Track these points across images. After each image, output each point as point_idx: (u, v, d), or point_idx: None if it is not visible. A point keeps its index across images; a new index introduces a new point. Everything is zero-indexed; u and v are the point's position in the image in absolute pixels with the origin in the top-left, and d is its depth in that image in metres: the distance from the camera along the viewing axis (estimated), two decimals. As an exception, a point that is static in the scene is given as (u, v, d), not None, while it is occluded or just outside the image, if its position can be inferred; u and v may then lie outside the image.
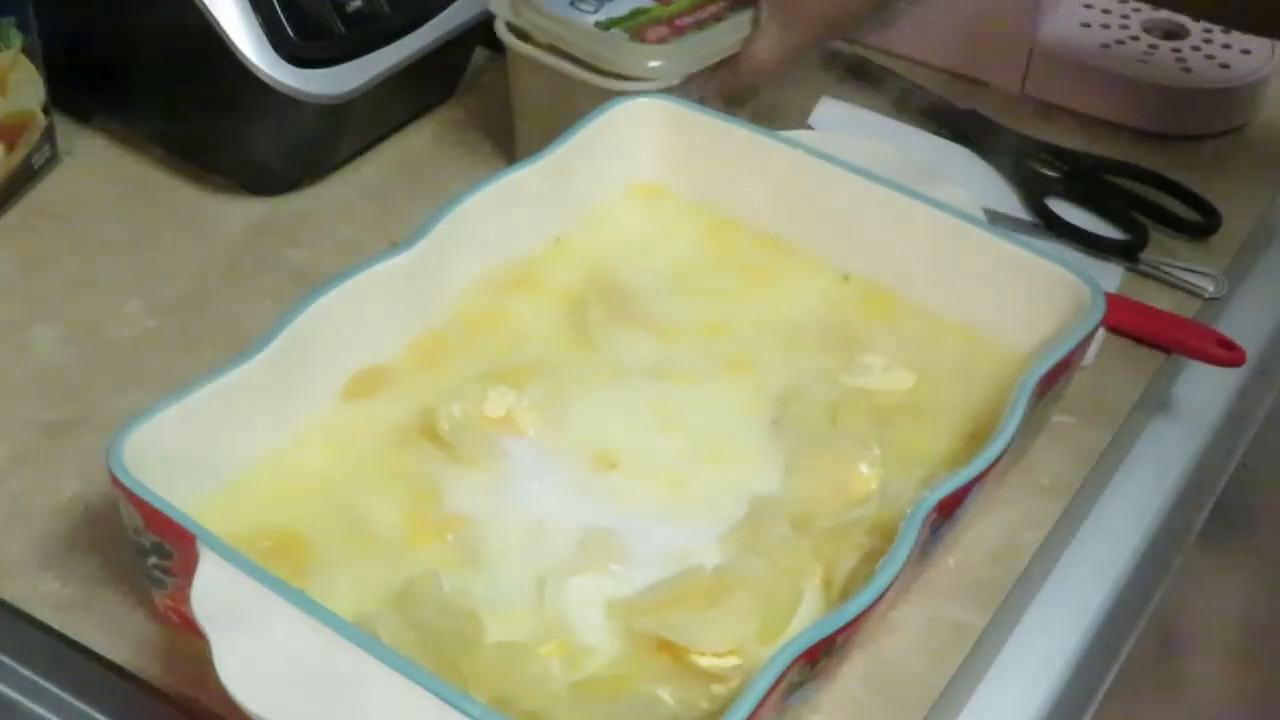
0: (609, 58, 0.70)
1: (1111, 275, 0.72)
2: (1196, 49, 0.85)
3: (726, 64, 0.72)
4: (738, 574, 0.52)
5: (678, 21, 0.71)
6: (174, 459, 0.51)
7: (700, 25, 0.72)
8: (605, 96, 0.68)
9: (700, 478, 0.57)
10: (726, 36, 0.72)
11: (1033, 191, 0.77)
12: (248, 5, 0.69)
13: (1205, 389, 0.69)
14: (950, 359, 0.62)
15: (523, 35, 0.72)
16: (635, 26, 0.71)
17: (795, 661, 0.46)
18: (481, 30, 0.79)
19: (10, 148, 0.71)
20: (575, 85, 0.70)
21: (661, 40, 0.70)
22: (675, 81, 0.70)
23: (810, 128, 0.79)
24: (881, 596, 0.48)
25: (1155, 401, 0.68)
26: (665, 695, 0.49)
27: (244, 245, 0.72)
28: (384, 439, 0.57)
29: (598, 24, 0.71)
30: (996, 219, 0.71)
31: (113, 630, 0.54)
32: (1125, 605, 0.60)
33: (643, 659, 0.50)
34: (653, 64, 0.70)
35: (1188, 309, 0.71)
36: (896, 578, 0.49)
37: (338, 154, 0.76)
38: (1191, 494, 0.65)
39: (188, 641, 0.51)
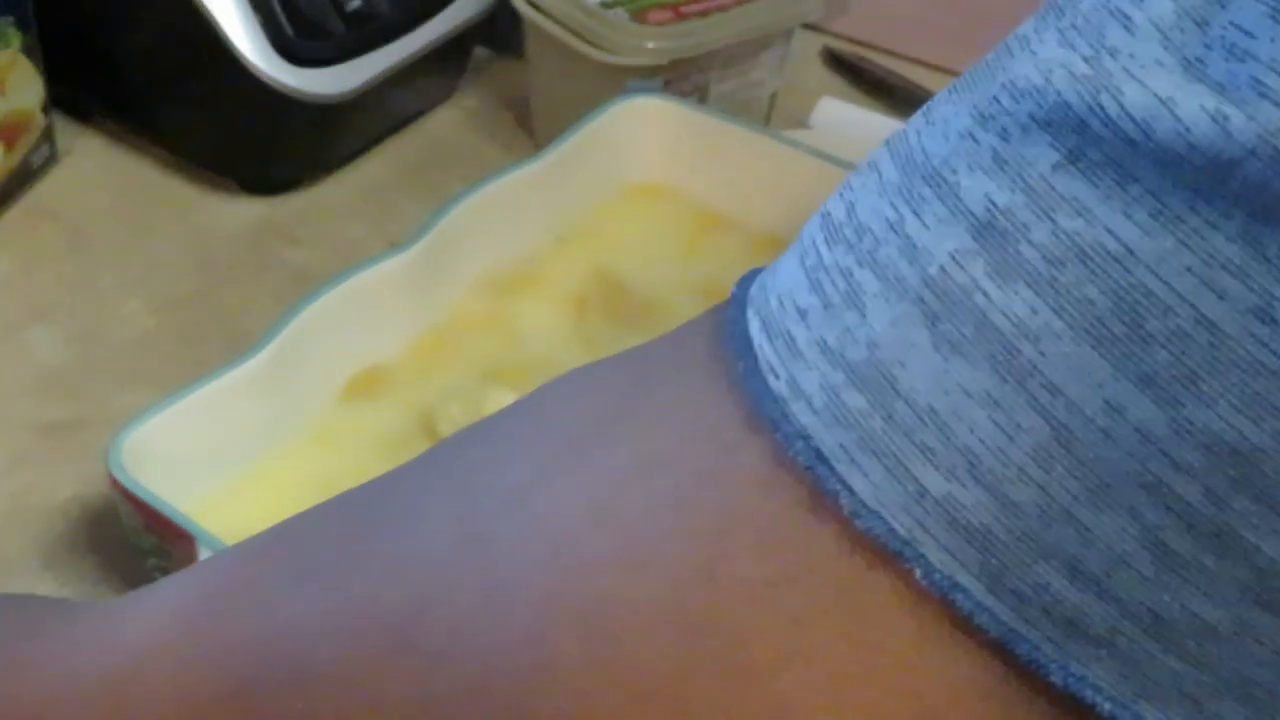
0: (607, 35, 0.71)
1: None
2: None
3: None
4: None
5: (683, 9, 0.72)
6: (174, 459, 0.51)
7: (704, 14, 0.72)
8: (605, 73, 0.69)
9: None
10: (729, 26, 0.72)
11: (1033, 191, 0.77)
12: (247, 5, 0.68)
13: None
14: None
15: (536, 5, 0.74)
16: (639, 9, 0.72)
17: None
18: (481, 30, 0.79)
19: (9, 147, 0.71)
20: (579, 59, 0.72)
21: (662, 24, 0.71)
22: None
23: (810, 128, 0.79)
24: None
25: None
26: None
27: (244, 245, 0.72)
28: (384, 439, 0.57)
29: (603, 2, 0.72)
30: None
31: (112, 630, 0.54)
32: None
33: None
34: (649, 45, 0.71)
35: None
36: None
37: (338, 154, 0.76)
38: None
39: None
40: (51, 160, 0.74)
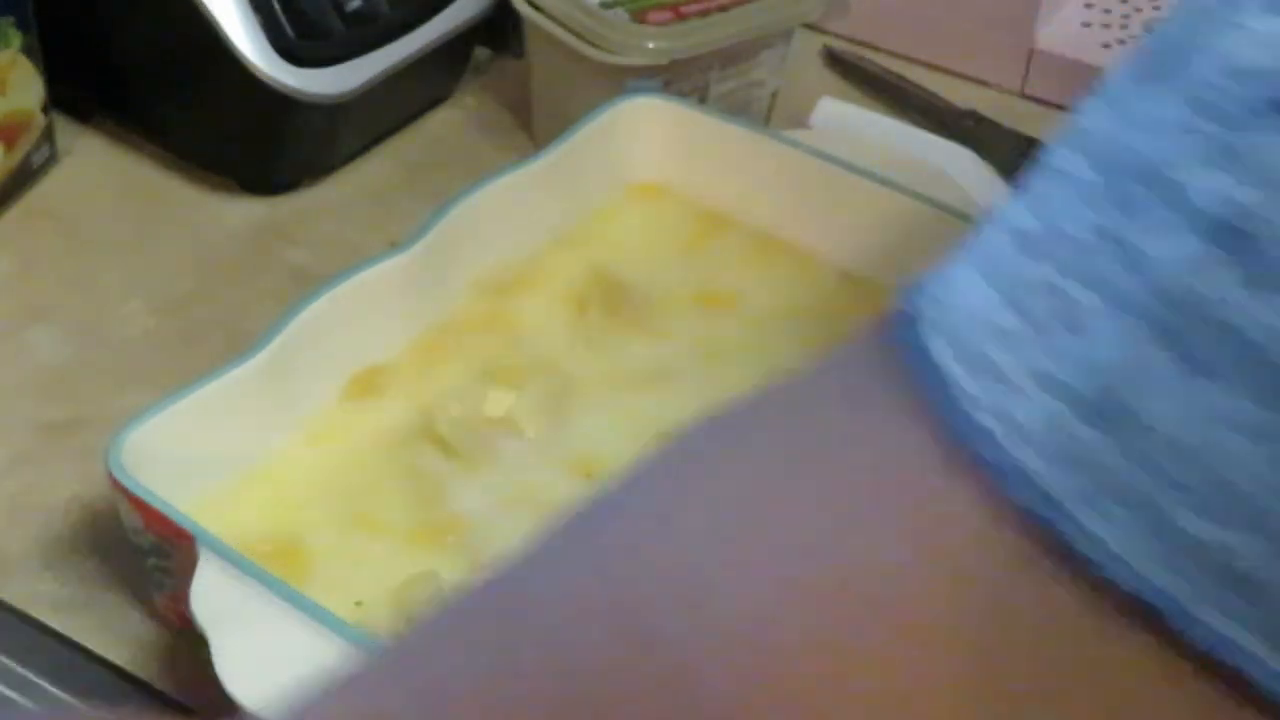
0: (607, 35, 0.71)
1: (1112, 275, 0.72)
2: (1197, 49, 0.85)
3: None
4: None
5: (683, 9, 0.72)
6: (174, 459, 0.51)
7: (704, 14, 0.72)
8: (605, 73, 0.69)
9: (700, 478, 0.57)
10: (729, 26, 0.73)
11: (1033, 191, 0.77)
12: (247, 5, 0.68)
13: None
14: (950, 359, 0.62)
15: (536, 5, 0.74)
16: (639, 9, 0.72)
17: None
18: (481, 30, 0.79)
19: (9, 147, 0.71)
20: (579, 59, 0.72)
21: (662, 24, 0.71)
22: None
23: (810, 128, 0.79)
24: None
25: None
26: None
27: (244, 245, 0.72)
28: (384, 439, 0.57)
29: (603, 2, 0.72)
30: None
31: (112, 630, 0.54)
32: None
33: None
34: (649, 45, 0.71)
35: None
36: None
37: (338, 154, 0.76)
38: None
39: (187, 642, 0.51)
40: (51, 160, 0.74)
